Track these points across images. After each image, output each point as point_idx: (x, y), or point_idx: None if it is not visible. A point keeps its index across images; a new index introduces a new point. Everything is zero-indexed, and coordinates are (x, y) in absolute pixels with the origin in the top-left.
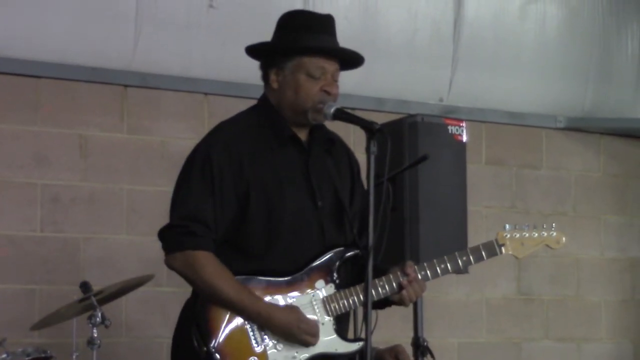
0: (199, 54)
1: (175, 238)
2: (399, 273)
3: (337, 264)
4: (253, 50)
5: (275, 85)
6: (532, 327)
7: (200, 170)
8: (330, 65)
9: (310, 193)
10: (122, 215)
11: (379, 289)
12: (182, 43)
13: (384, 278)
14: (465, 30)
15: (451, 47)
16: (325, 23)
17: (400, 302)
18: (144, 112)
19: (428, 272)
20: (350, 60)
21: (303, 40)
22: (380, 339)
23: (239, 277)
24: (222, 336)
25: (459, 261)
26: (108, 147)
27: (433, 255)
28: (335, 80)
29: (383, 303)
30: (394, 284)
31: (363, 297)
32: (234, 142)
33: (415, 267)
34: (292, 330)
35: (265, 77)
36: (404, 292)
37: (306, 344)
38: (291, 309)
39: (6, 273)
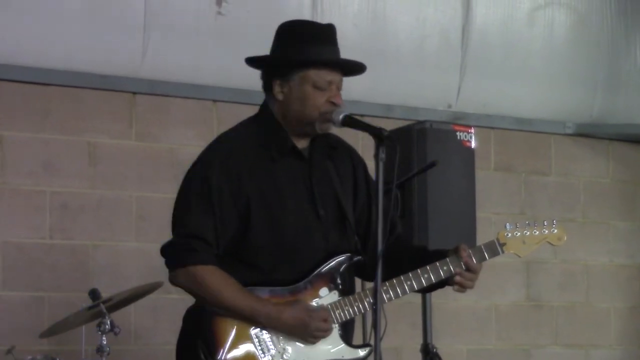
0: (208, 61)
1: (176, 255)
2: (448, 260)
3: (340, 270)
4: (255, 61)
5: (280, 96)
6: (541, 334)
7: (200, 188)
8: (335, 76)
9: (311, 202)
10: (130, 223)
11: (421, 279)
12: (190, 50)
13: (429, 267)
14: (473, 36)
15: (459, 53)
16: (327, 33)
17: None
18: (152, 119)
19: (432, 276)
20: (354, 69)
21: (309, 52)
22: (389, 346)
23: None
24: (228, 348)
25: (461, 263)
26: (117, 154)
27: None
28: (339, 90)
29: (435, 286)
30: (441, 272)
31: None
32: (232, 157)
33: (418, 270)
34: (305, 321)
35: (268, 87)
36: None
37: (322, 332)
38: (296, 303)
39: (15, 280)
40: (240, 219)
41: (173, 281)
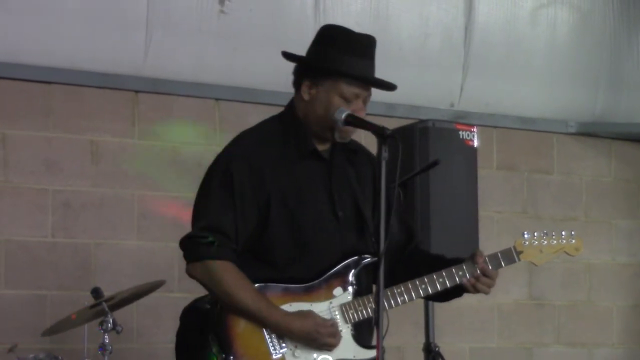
0: (210, 60)
1: (195, 248)
2: (463, 266)
3: (355, 271)
4: (290, 57)
5: (306, 96)
6: (543, 332)
7: (221, 182)
8: (364, 92)
9: (330, 204)
10: (133, 221)
11: (436, 284)
12: (193, 48)
13: (444, 272)
14: (476, 35)
15: (462, 52)
16: (367, 47)
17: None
18: (155, 118)
19: (447, 280)
20: (384, 86)
21: (344, 63)
22: (392, 345)
23: (257, 284)
24: (240, 344)
25: (477, 268)
26: (119, 153)
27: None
28: (365, 103)
29: (450, 294)
30: (456, 277)
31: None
32: (255, 153)
33: (434, 275)
34: (312, 335)
35: (297, 85)
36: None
37: (329, 347)
38: (307, 315)
39: (17, 279)
40: (259, 215)
41: (190, 273)
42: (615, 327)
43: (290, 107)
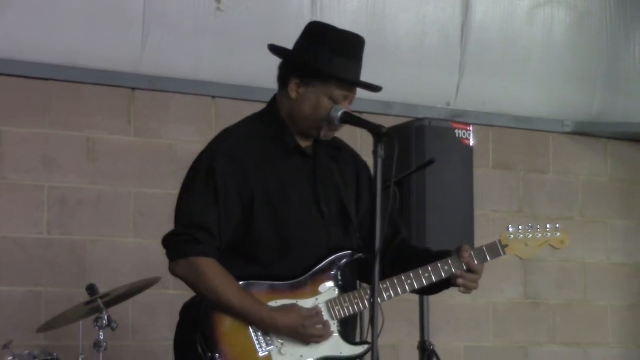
0: (207, 57)
1: (178, 246)
2: (449, 260)
3: (341, 267)
4: (280, 53)
5: (293, 95)
6: (538, 332)
7: (204, 179)
8: (352, 93)
9: (315, 200)
10: (129, 218)
11: (422, 279)
12: (190, 46)
13: (430, 267)
14: (473, 34)
15: (459, 51)
16: (357, 48)
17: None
18: (151, 115)
19: (432, 275)
20: (371, 89)
21: (337, 67)
22: (387, 343)
23: (242, 282)
24: (226, 342)
25: (462, 263)
26: (116, 150)
27: None
28: (350, 103)
29: (438, 287)
30: (442, 272)
31: (370, 299)
32: (238, 150)
33: (419, 270)
34: (298, 329)
35: (284, 82)
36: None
37: (317, 338)
38: (291, 309)
39: (13, 275)
40: (243, 212)
41: (173, 272)
42: (611, 327)
43: (273, 103)
